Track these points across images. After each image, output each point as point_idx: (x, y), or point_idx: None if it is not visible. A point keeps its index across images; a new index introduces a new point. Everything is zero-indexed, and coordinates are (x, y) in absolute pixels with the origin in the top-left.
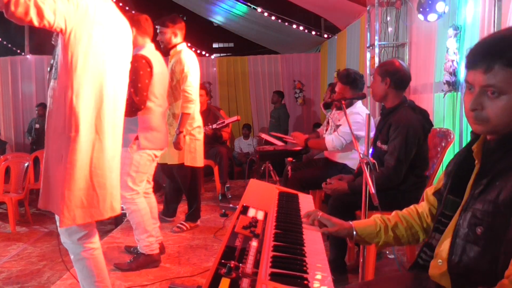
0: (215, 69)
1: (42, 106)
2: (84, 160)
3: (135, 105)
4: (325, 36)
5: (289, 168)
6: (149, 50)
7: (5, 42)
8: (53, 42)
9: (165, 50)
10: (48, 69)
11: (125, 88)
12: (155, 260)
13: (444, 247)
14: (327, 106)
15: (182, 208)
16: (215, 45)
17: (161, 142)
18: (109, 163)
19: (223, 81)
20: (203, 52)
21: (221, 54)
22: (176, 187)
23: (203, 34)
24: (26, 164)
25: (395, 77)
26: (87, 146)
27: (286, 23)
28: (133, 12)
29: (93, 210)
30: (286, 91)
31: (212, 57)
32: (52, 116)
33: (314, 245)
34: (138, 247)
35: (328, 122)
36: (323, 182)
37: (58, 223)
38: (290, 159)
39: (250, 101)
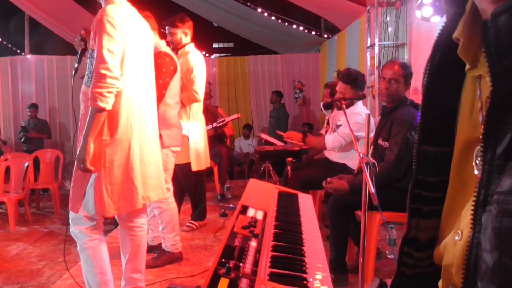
0: (215, 69)
1: (34, 107)
2: (122, 159)
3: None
4: (325, 36)
5: (289, 168)
6: (167, 48)
7: (5, 42)
8: (77, 48)
9: (175, 50)
10: (73, 73)
11: (153, 84)
12: (178, 258)
13: (451, 236)
14: (327, 106)
15: (184, 207)
16: (215, 45)
17: (180, 138)
18: (143, 157)
19: (223, 81)
20: (203, 52)
21: (221, 54)
22: (180, 187)
23: (203, 34)
24: (26, 164)
25: (410, 77)
26: (123, 145)
27: (286, 23)
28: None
29: (132, 201)
30: (286, 91)
31: (212, 57)
32: (85, 120)
33: (314, 245)
34: (162, 245)
35: (328, 123)
36: (322, 182)
37: (70, 219)
38: (290, 159)
39: (250, 101)
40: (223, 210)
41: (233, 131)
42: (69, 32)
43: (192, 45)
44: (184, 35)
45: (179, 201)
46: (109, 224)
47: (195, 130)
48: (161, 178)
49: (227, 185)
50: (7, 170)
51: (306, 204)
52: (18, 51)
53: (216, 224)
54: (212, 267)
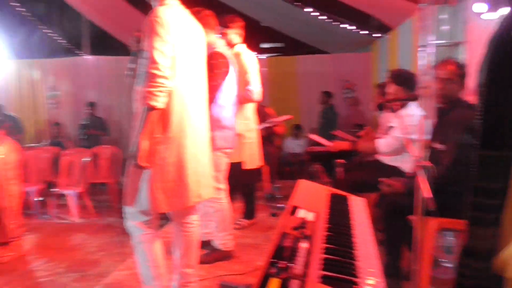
0: (265, 69)
1: (93, 106)
2: (174, 157)
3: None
4: (376, 35)
5: (339, 169)
6: (223, 48)
7: (66, 43)
8: (131, 49)
9: None
10: (128, 73)
11: (204, 83)
12: (228, 256)
13: None
14: (380, 107)
15: (234, 206)
16: (263, 45)
17: (233, 140)
18: (195, 156)
19: (273, 81)
20: (254, 53)
21: (271, 54)
22: (229, 185)
23: (252, 34)
24: (86, 159)
25: (466, 77)
26: (175, 143)
27: (336, 22)
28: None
29: (184, 198)
30: (336, 91)
31: (262, 57)
32: (138, 118)
33: (367, 249)
34: (214, 242)
35: (380, 124)
36: (375, 185)
37: (127, 213)
38: (341, 160)
39: (299, 101)
40: (273, 210)
41: (284, 130)
42: (124, 33)
43: (244, 45)
44: (235, 35)
45: (232, 200)
46: (163, 219)
47: (248, 129)
48: (210, 177)
49: (277, 185)
50: (70, 165)
51: (359, 206)
52: (79, 52)
53: (266, 224)
54: (263, 266)
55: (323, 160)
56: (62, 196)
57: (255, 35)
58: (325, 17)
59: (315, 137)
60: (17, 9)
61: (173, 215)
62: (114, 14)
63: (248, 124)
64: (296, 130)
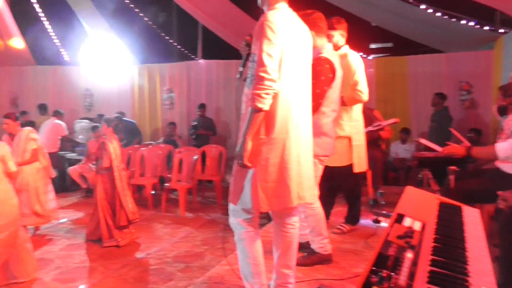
0: (371, 70)
1: (203, 107)
2: (277, 157)
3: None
4: (501, 31)
5: (451, 177)
6: (330, 52)
7: (182, 49)
8: (242, 53)
9: None
10: (237, 76)
11: (309, 87)
12: (327, 260)
13: None
14: (502, 110)
15: (335, 209)
16: (372, 46)
17: (330, 148)
18: (298, 158)
19: (380, 82)
20: (360, 53)
21: (379, 55)
22: (332, 189)
23: (360, 35)
24: (195, 158)
25: None
26: (279, 145)
27: (454, 19)
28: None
29: (285, 198)
30: (451, 93)
31: (370, 57)
32: (244, 119)
33: (480, 265)
34: (313, 246)
35: (502, 129)
36: (492, 195)
37: (229, 210)
38: (453, 167)
39: (408, 103)
40: (376, 217)
41: (390, 134)
42: (235, 38)
43: (347, 46)
44: (341, 37)
45: (330, 204)
46: (264, 219)
47: (357, 131)
48: (313, 179)
49: (381, 191)
50: (180, 162)
51: (472, 218)
52: (193, 56)
53: (368, 230)
54: (364, 274)
55: (433, 166)
56: (173, 191)
57: (364, 36)
58: (440, 14)
59: (425, 142)
60: (141, 18)
61: (274, 215)
62: (226, 20)
63: (356, 126)
64: (404, 134)
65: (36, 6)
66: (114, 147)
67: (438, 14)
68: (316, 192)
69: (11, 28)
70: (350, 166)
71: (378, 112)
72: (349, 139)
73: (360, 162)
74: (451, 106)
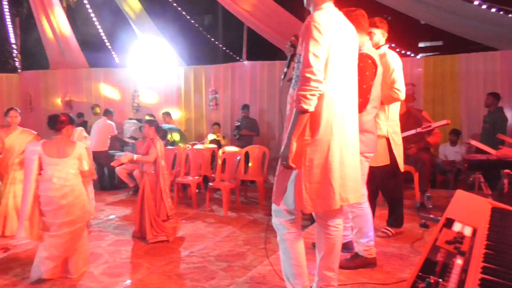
0: (420, 69)
1: (247, 108)
2: (321, 159)
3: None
4: None
5: (505, 181)
6: (370, 49)
7: (227, 50)
8: (287, 54)
9: None
10: (282, 76)
11: (355, 86)
12: (371, 263)
13: None
14: None
15: (379, 213)
16: (421, 44)
17: (374, 145)
18: (342, 158)
19: (429, 82)
20: (408, 52)
21: (428, 54)
22: (374, 191)
23: (408, 33)
24: (238, 158)
25: None
26: (323, 146)
27: (510, 15)
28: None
29: (329, 200)
30: (506, 92)
31: (418, 57)
32: (289, 120)
33: None
34: (356, 248)
35: None
36: None
37: (272, 211)
38: (507, 171)
39: (459, 104)
40: (423, 221)
41: (440, 138)
42: (280, 39)
43: (387, 46)
44: (382, 36)
45: (373, 206)
46: (306, 220)
47: (393, 131)
48: (359, 181)
49: (428, 194)
50: (224, 162)
51: None
52: (237, 58)
53: (414, 234)
54: (411, 279)
55: (485, 169)
56: (216, 190)
57: (413, 35)
58: (495, 9)
59: (477, 144)
60: (187, 20)
61: (317, 217)
62: (272, 21)
63: (393, 126)
64: (454, 135)
65: (90, 11)
66: (160, 145)
67: (493, 10)
68: (363, 192)
69: (67, 31)
70: (387, 167)
71: (426, 113)
72: (386, 138)
73: (400, 162)
74: (506, 106)
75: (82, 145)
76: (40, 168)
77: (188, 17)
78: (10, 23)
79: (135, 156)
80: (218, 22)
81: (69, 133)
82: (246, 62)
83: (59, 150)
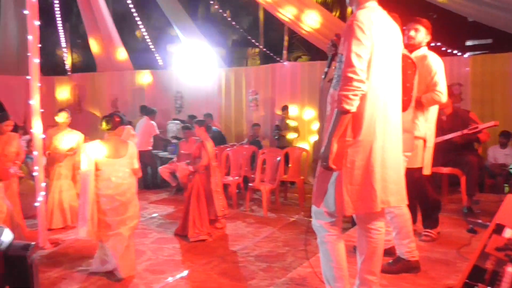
0: (467, 68)
1: (287, 109)
2: (363, 160)
3: (402, 104)
4: None
5: None
6: (404, 50)
7: (268, 52)
8: (328, 53)
9: (409, 49)
10: (323, 76)
11: (399, 88)
12: (415, 267)
13: None
14: None
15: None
16: (468, 43)
17: (411, 144)
18: (384, 160)
19: (477, 82)
20: (454, 51)
21: (476, 52)
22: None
23: (454, 31)
24: (278, 159)
25: None
26: (365, 147)
27: None
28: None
29: (370, 202)
30: None
31: (465, 55)
32: (330, 120)
33: None
34: (397, 251)
35: None
36: None
37: (312, 212)
38: None
39: (509, 104)
40: (470, 226)
41: (488, 137)
42: (321, 39)
43: (426, 47)
44: (426, 35)
45: (413, 208)
46: (346, 222)
47: (431, 133)
48: (401, 183)
49: (476, 199)
50: (264, 163)
51: None
52: (278, 58)
53: (460, 240)
54: (457, 286)
55: None
56: (256, 191)
57: (460, 33)
58: None
59: None
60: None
61: (359, 219)
62: (312, 21)
63: (431, 128)
64: (504, 137)
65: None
66: (210, 146)
67: None
68: (404, 195)
69: (114, 36)
70: (418, 169)
71: (474, 114)
72: (424, 140)
73: (428, 165)
74: None
75: (134, 144)
76: (96, 168)
77: (229, 18)
78: (61, 28)
79: (190, 167)
80: (258, 23)
81: (121, 133)
82: (286, 63)
83: (114, 150)
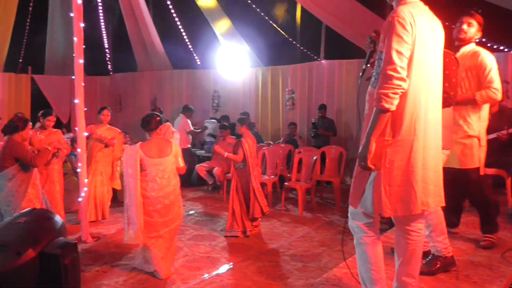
0: None
1: (324, 108)
2: (403, 161)
3: (449, 100)
4: None
5: None
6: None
7: (305, 50)
8: (366, 50)
9: (459, 44)
10: (360, 74)
11: (439, 85)
12: (451, 263)
13: None
14: None
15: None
16: None
17: (449, 141)
18: (425, 161)
19: None
20: (500, 47)
21: None
22: (457, 194)
23: (501, 27)
24: (314, 158)
25: None
26: (406, 147)
27: None
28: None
29: (410, 204)
30: None
31: None
32: (368, 119)
33: None
34: (432, 249)
35: None
36: None
37: (349, 213)
38: None
39: None
40: None
41: None
42: (359, 37)
43: (474, 44)
44: (477, 30)
45: (458, 211)
46: (384, 224)
47: (484, 132)
48: (440, 184)
49: None
50: (300, 162)
51: None
52: (315, 57)
53: (505, 243)
54: None
55: None
56: (292, 190)
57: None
58: None
59: None
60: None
61: (397, 221)
62: (351, 19)
63: (484, 127)
64: None
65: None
66: (249, 144)
67: None
68: (442, 196)
69: (154, 37)
70: (476, 170)
71: None
72: (478, 139)
73: (482, 165)
74: None
75: (176, 143)
76: (141, 169)
77: (267, 17)
78: (104, 29)
79: (226, 154)
80: (296, 21)
81: (162, 131)
82: (323, 61)
83: (158, 150)
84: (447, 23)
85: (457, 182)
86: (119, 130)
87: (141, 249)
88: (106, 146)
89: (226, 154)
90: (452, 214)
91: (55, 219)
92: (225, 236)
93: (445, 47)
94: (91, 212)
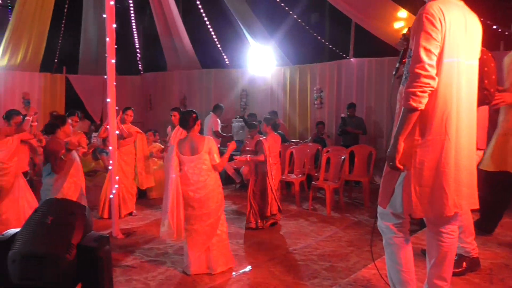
0: None
1: (353, 107)
2: (434, 161)
3: (489, 97)
4: None
5: None
6: None
7: (334, 48)
8: (399, 48)
9: None
10: (394, 72)
11: (474, 83)
12: (477, 264)
13: None
14: None
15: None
16: None
17: (482, 141)
18: (458, 162)
19: None
20: None
21: None
22: (498, 198)
23: None
24: (343, 157)
25: None
26: (436, 147)
27: None
28: None
29: (442, 206)
30: None
31: None
32: (398, 119)
33: None
34: (460, 251)
35: None
36: None
37: (378, 213)
38: None
39: None
40: None
41: None
42: (389, 34)
43: None
44: None
45: (498, 215)
46: (414, 225)
47: None
48: (474, 186)
49: None
50: (328, 161)
51: None
52: (344, 55)
53: None
54: None
55: None
56: (320, 189)
57: None
58: None
59: None
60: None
61: (429, 222)
62: (380, 15)
63: None
64: None
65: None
66: (270, 144)
67: None
68: (476, 198)
69: (184, 37)
70: (507, 172)
71: None
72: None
73: None
74: None
75: (211, 139)
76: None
77: (295, 16)
78: (135, 29)
79: (249, 157)
80: (324, 19)
81: (198, 128)
82: (352, 59)
83: (191, 147)
84: (483, 19)
85: (499, 185)
86: (138, 129)
87: (184, 244)
88: (122, 138)
89: (249, 157)
90: (492, 218)
91: (82, 213)
92: (246, 229)
93: (483, 45)
94: (107, 209)
